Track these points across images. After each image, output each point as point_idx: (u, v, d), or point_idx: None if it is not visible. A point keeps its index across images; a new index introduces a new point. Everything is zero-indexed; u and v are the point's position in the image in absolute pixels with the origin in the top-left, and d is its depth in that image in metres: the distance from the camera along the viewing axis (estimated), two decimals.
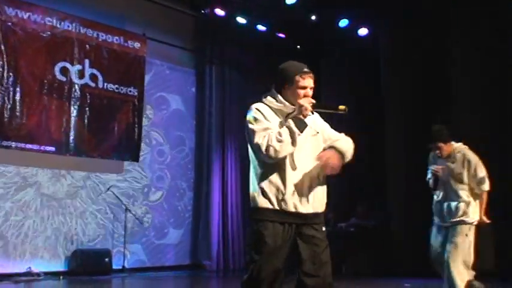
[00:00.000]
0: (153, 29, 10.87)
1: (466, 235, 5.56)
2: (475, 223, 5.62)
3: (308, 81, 3.45)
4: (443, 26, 10.02)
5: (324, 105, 3.52)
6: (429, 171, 5.89)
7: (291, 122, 3.29)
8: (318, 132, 3.52)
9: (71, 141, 9.59)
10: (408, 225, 10.42)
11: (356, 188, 11.62)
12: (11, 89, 9.03)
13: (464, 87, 9.77)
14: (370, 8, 11.14)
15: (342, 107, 3.45)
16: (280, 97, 3.46)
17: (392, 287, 8.28)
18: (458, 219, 5.58)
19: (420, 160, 10.48)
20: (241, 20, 11.42)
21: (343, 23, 11.52)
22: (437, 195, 5.86)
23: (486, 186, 5.63)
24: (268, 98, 3.52)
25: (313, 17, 11.52)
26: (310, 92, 3.46)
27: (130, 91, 10.48)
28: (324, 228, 3.48)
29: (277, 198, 3.36)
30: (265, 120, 3.39)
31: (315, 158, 3.41)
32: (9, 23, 9.08)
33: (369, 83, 11.66)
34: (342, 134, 3.64)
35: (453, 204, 5.63)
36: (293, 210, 3.35)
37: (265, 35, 11.89)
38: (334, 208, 11.23)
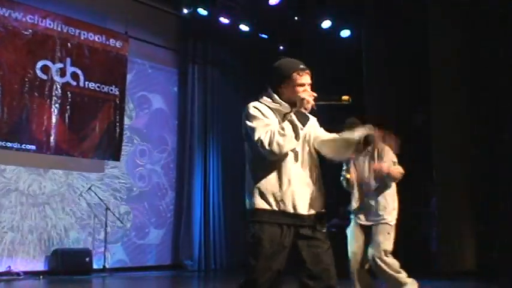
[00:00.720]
0: (135, 28, 10.83)
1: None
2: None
3: (306, 78, 3.39)
4: (424, 27, 10.09)
5: (326, 97, 3.40)
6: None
7: (293, 116, 3.20)
8: (309, 135, 3.44)
9: (51, 140, 9.52)
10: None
11: (338, 189, 11.63)
12: None
13: (446, 88, 9.84)
14: (353, 9, 11.20)
15: (345, 97, 3.40)
16: (276, 97, 3.38)
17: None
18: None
19: (402, 160, 10.62)
20: (224, 20, 11.41)
21: (326, 24, 11.55)
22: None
23: None
24: (265, 97, 3.42)
25: (296, 18, 11.55)
26: (308, 89, 3.38)
27: (111, 90, 10.43)
28: (324, 230, 3.39)
29: (275, 198, 3.23)
30: (264, 117, 3.27)
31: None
32: None
33: (351, 84, 11.69)
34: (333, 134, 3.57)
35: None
36: (292, 211, 3.23)
37: (248, 35, 11.89)
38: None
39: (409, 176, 10.43)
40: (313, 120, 3.49)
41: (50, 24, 9.68)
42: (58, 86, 9.72)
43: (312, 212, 3.33)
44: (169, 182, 11.54)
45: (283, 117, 3.31)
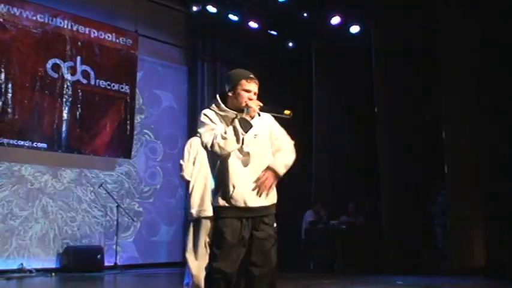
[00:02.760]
0: (145, 26, 10.87)
1: None
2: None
3: (252, 86, 3.67)
4: (433, 25, 10.06)
5: (270, 108, 3.68)
6: None
7: (236, 122, 3.51)
8: (256, 135, 3.67)
9: (62, 137, 9.58)
10: (399, 223, 10.47)
11: (347, 186, 11.66)
12: (3, 85, 9.01)
13: (456, 83, 9.82)
14: (362, 5, 11.17)
15: (287, 111, 3.66)
16: (222, 105, 3.68)
17: (384, 285, 8.30)
18: None
19: (410, 158, 10.62)
20: (233, 17, 11.41)
21: (335, 20, 11.53)
22: None
23: None
24: (213, 105, 3.73)
25: (305, 15, 11.54)
26: (253, 97, 3.66)
27: (122, 88, 10.47)
28: (275, 225, 3.72)
29: (227, 195, 3.59)
30: (211, 123, 3.63)
31: (255, 182, 3.62)
32: (1, 20, 9.07)
33: (360, 80, 11.68)
34: (286, 143, 3.84)
35: None
36: (243, 205, 3.57)
37: (257, 32, 11.90)
38: (326, 206, 11.31)
39: (419, 174, 10.52)
40: (267, 121, 3.80)
41: (60, 23, 9.73)
42: (69, 84, 9.77)
43: (262, 204, 3.65)
44: (179, 179, 11.52)
45: (231, 122, 3.62)
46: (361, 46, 11.44)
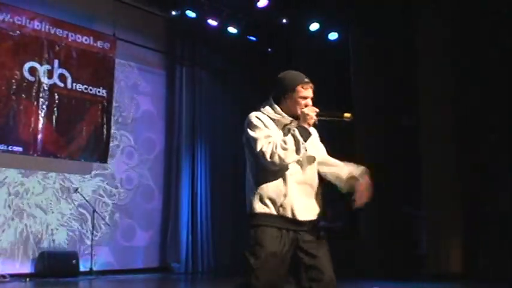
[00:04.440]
0: (123, 29, 10.81)
1: None
2: None
3: (309, 92, 3.50)
4: (412, 29, 10.16)
5: (328, 113, 3.51)
6: None
7: (295, 131, 3.31)
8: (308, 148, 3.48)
9: (38, 141, 9.48)
10: (377, 228, 10.53)
11: (326, 191, 11.67)
12: None
13: (434, 89, 9.91)
14: (341, 12, 11.25)
15: (347, 114, 3.49)
16: (278, 108, 3.47)
17: None
18: None
19: (389, 164, 10.69)
20: (212, 22, 11.41)
21: (314, 26, 11.59)
22: None
23: None
24: (267, 108, 3.51)
25: (284, 20, 11.57)
26: (310, 103, 3.49)
27: (99, 92, 10.40)
28: (321, 233, 3.52)
29: (275, 203, 3.35)
30: (265, 127, 3.38)
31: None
32: None
33: (339, 86, 11.75)
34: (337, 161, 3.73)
35: None
36: (290, 216, 3.35)
37: (236, 37, 11.90)
38: None
39: (398, 179, 10.59)
40: (314, 134, 3.62)
41: (37, 26, 9.64)
42: (45, 88, 9.68)
43: (310, 218, 3.44)
44: (156, 184, 11.51)
45: (283, 128, 3.44)
46: (339, 52, 11.53)
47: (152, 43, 11.62)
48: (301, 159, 3.40)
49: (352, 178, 3.61)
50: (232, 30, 11.71)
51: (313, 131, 3.55)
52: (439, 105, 9.81)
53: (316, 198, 3.55)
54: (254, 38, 12.35)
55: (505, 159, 9.46)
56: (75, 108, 10.06)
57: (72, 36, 10.11)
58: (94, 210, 10.01)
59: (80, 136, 10.07)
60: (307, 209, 3.43)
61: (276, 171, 3.35)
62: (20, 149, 9.28)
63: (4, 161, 9.28)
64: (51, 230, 9.73)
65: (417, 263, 10.17)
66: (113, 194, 10.72)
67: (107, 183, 10.65)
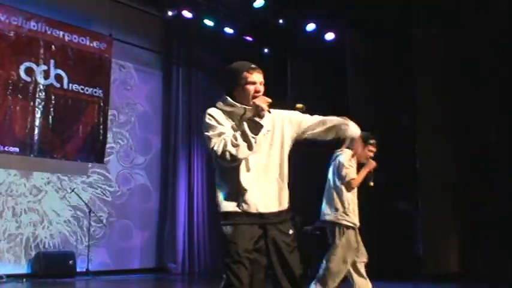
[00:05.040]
0: (119, 30, 10.81)
1: None
2: None
3: (257, 76, 3.43)
4: (408, 30, 10.18)
5: (281, 103, 3.48)
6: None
7: (245, 125, 3.27)
8: (268, 131, 3.46)
9: (35, 142, 9.47)
10: (373, 228, 10.53)
11: (323, 191, 11.68)
12: None
13: (431, 90, 9.94)
14: (337, 13, 11.26)
15: (299, 105, 3.52)
16: (229, 99, 3.42)
17: None
18: None
19: (386, 165, 10.69)
20: (208, 22, 11.40)
21: (310, 27, 11.60)
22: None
23: None
24: (220, 102, 3.47)
25: (281, 21, 11.57)
26: (261, 88, 3.43)
27: (95, 92, 10.40)
28: (291, 231, 3.46)
29: (238, 200, 3.35)
30: (218, 125, 3.35)
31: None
32: None
33: (336, 86, 11.76)
34: (316, 116, 3.72)
35: None
36: (254, 211, 3.34)
37: (233, 38, 11.90)
38: (302, 211, 11.32)
39: (394, 178, 10.60)
40: (280, 115, 3.57)
41: (34, 26, 9.63)
42: (42, 88, 9.67)
43: (274, 210, 3.41)
44: (153, 184, 11.51)
45: (240, 119, 3.39)
46: (336, 53, 11.54)
47: (148, 43, 11.62)
48: (260, 152, 3.39)
49: (333, 127, 3.69)
50: (228, 30, 11.71)
51: (279, 113, 3.55)
52: (437, 105, 9.83)
53: (280, 188, 3.47)
54: (250, 39, 12.35)
55: (503, 160, 9.48)
56: (71, 108, 10.05)
57: (68, 36, 10.10)
58: (90, 211, 10.00)
59: (77, 136, 10.06)
60: (271, 201, 3.40)
61: (234, 167, 3.34)
62: (16, 149, 9.28)
63: (0, 162, 9.27)
64: (48, 230, 9.71)
65: (415, 263, 10.19)
66: (109, 194, 10.71)
67: (103, 184, 10.64)
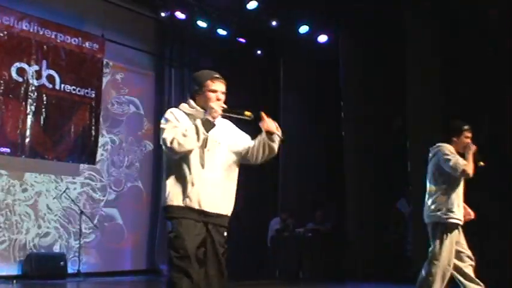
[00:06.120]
0: (112, 30, 10.77)
1: None
2: None
3: (219, 86, 3.67)
4: (400, 32, 10.20)
5: (232, 110, 3.64)
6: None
7: (198, 122, 3.48)
8: (219, 143, 3.65)
9: (26, 142, 9.43)
10: (365, 230, 10.57)
11: (315, 193, 11.73)
12: None
13: (423, 92, 9.95)
14: (330, 15, 11.28)
15: (248, 113, 3.65)
16: (192, 102, 3.68)
17: None
18: None
19: (377, 167, 10.73)
20: (201, 23, 11.39)
21: (303, 29, 11.62)
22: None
23: None
24: (183, 104, 3.73)
25: (274, 23, 11.58)
26: (221, 96, 3.66)
27: (87, 93, 10.36)
28: (225, 234, 3.62)
29: (183, 195, 3.49)
30: (175, 121, 3.57)
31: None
32: None
33: (328, 89, 11.79)
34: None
35: None
36: (197, 207, 3.48)
37: (226, 39, 11.90)
38: (294, 213, 11.35)
39: (387, 180, 10.62)
40: (231, 131, 3.79)
41: (26, 27, 9.58)
42: (34, 89, 9.63)
43: (217, 211, 3.57)
44: (145, 185, 11.47)
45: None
46: (328, 55, 11.57)
47: (141, 44, 11.58)
48: (208, 150, 3.56)
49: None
50: (221, 32, 11.71)
51: (229, 123, 3.80)
52: (428, 106, 9.85)
53: (228, 192, 3.65)
54: (243, 40, 12.35)
55: (494, 160, 9.49)
56: (63, 109, 10.01)
57: (60, 37, 10.06)
58: (82, 212, 9.96)
59: (68, 137, 10.02)
60: (215, 200, 3.55)
61: (182, 163, 3.51)
62: (7, 150, 9.23)
63: None
64: (39, 231, 9.67)
65: (405, 263, 10.21)
66: (101, 195, 10.67)
67: (95, 185, 10.60)
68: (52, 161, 9.90)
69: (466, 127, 5.46)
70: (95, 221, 10.38)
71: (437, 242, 5.28)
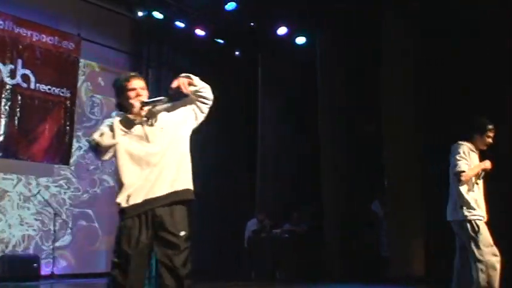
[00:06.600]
0: (88, 29, 10.67)
1: None
2: None
3: (136, 83, 3.63)
4: (377, 36, 10.26)
5: (150, 101, 3.61)
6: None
7: (115, 120, 3.52)
8: (162, 128, 3.59)
9: (0, 142, 9.29)
10: (341, 231, 10.61)
11: (292, 195, 11.75)
12: None
13: (397, 97, 10.02)
14: (309, 17, 11.30)
15: (163, 98, 3.65)
16: (118, 112, 3.67)
17: None
18: None
19: (353, 168, 10.77)
20: (179, 24, 11.33)
21: (282, 31, 11.62)
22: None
23: None
24: (114, 114, 3.77)
25: (252, 24, 11.56)
26: (142, 92, 3.61)
27: (63, 92, 10.24)
28: (182, 233, 3.47)
29: (125, 194, 3.46)
30: (106, 127, 3.54)
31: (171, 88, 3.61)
32: None
33: (305, 90, 11.81)
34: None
35: None
36: (140, 201, 3.44)
37: (204, 40, 11.86)
38: (272, 215, 11.35)
39: (361, 181, 10.69)
40: (173, 113, 3.73)
41: (1, 25, 9.45)
42: (8, 88, 9.49)
43: (162, 193, 3.48)
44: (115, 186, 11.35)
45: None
46: (306, 57, 11.59)
47: (118, 44, 11.49)
48: (155, 143, 3.52)
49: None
50: (200, 32, 11.66)
51: (171, 105, 3.74)
52: (403, 109, 9.92)
53: (175, 179, 3.54)
54: (222, 41, 12.31)
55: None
56: (38, 109, 9.88)
57: (36, 35, 9.93)
58: (56, 213, 9.85)
59: (43, 137, 9.89)
60: (156, 187, 3.47)
61: (118, 165, 3.51)
62: None
63: None
64: (12, 233, 9.54)
65: (381, 265, 10.28)
66: (75, 196, 10.56)
67: (69, 186, 10.49)
68: (26, 162, 9.77)
69: (490, 126, 5.39)
70: (69, 223, 10.27)
71: (473, 238, 5.17)
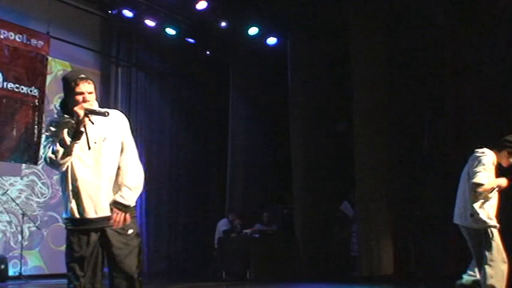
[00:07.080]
0: (57, 28, 10.53)
1: None
2: None
3: (84, 87, 3.54)
4: (346, 37, 10.34)
5: (94, 111, 3.55)
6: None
7: (64, 133, 3.39)
8: (105, 139, 3.55)
9: None
10: (311, 231, 10.66)
11: (263, 195, 11.77)
12: None
13: (366, 94, 10.11)
14: (280, 17, 11.34)
15: (105, 112, 3.55)
16: (60, 112, 3.63)
17: None
18: None
19: (323, 168, 10.83)
20: (149, 22, 11.27)
21: (253, 31, 11.63)
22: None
23: None
24: (58, 112, 3.68)
25: (223, 24, 11.55)
26: (89, 97, 3.56)
27: (31, 91, 10.10)
28: (130, 231, 3.53)
29: (69, 207, 3.47)
30: (51, 134, 3.50)
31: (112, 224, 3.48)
32: None
33: (276, 91, 11.84)
34: (128, 159, 3.66)
35: None
36: (78, 217, 3.46)
37: (174, 39, 11.81)
38: (241, 214, 11.36)
39: (331, 181, 10.76)
40: (122, 126, 3.71)
41: None
42: None
43: (103, 215, 3.49)
44: None
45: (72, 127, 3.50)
46: (277, 57, 11.62)
47: (87, 42, 11.37)
48: (97, 154, 3.49)
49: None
50: (170, 31, 11.60)
51: (123, 123, 3.72)
52: (373, 110, 10.01)
53: (111, 194, 3.54)
54: (192, 40, 12.27)
55: (436, 165, 9.74)
56: (5, 107, 9.73)
57: (4, 33, 9.77)
58: (23, 213, 9.71)
59: (10, 136, 9.74)
60: (98, 206, 3.47)
61: (64, 175, 3.47)
62: None
63: None
64: None
65: (350, 264, 10.36)
66: (43, 196, 10.44)
67: (37, 185, 10.36)
68: None
69: None
70: (38, 223, 10.13)
71: (485, 244, 5.21)
